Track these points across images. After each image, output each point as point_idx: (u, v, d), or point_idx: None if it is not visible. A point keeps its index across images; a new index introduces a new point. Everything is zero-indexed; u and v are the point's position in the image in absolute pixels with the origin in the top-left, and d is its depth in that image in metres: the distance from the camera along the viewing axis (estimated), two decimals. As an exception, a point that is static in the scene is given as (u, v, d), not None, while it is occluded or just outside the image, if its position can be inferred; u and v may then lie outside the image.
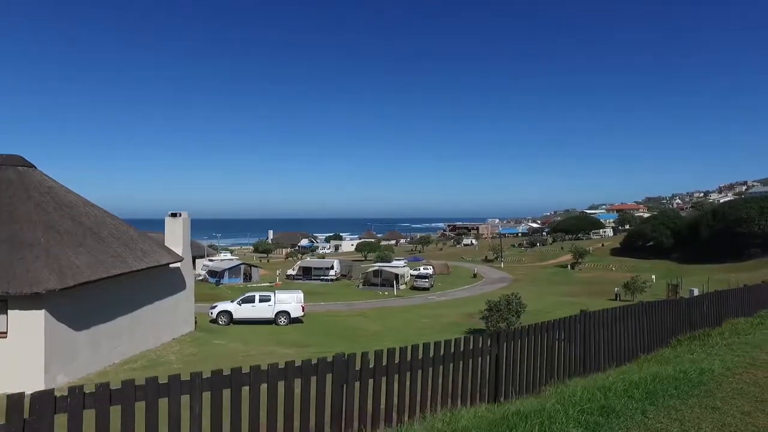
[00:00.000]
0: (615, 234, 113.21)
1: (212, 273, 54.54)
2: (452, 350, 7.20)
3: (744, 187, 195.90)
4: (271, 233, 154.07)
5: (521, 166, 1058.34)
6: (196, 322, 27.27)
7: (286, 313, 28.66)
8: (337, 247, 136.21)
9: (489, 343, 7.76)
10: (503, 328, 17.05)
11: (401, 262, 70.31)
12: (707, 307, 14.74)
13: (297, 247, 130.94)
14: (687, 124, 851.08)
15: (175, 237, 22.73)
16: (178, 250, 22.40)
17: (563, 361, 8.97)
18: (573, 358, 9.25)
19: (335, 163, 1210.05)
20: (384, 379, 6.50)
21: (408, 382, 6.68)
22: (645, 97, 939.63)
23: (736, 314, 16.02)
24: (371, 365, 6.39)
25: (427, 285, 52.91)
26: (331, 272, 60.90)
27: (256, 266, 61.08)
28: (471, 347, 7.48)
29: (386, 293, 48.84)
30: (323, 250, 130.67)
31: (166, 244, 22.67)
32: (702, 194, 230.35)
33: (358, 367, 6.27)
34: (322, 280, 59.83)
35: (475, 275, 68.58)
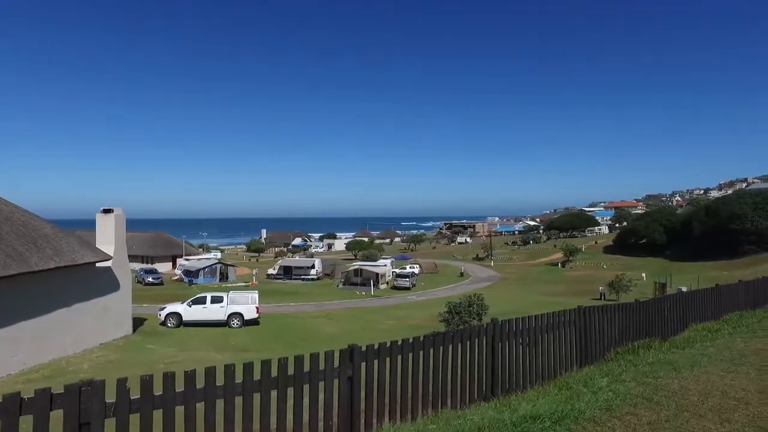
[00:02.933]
0: (611, 231, 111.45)
1: (187, 272, 53.10)
2: (275, 373, 5.56)
3: (744, 184, 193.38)
4: (264, 232, 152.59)
5: (526, 165, 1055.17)
6: (142, 324, 25.84)
7: (239, 314, 27.09)
8: (330, 246, 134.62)
9: (337, 363, 6.15)
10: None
11: (387, 261, 68.75)
12: (669, 311, 13.09)
13: (289, 246, 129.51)
14: (690, 122, 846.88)
15: (107, 235, 21.16)
16: (110, 249, 20.84)
17: (465, 382, 7.39)
18: (479, 379, 7.65)
19: (339, 162, 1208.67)
20: (161, 413, 4.87)
21: (201, 417, 5.04)
22: (646, 94, 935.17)
23: (704, 317, 14.40)
24: (136, 396, 4.76)
25: (407, 284, 51.31)
26: (312, 271, 59.32)
27: (233, 265, 59.58)
28: (309, 369, 5.86)
29: (363, 293, 47.26)
30: (316, 249, 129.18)
31: (97, 242, 21.15)
32: (702, 191, 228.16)
33: (113, 399, 4.64)
34: (303, 279, 58.27)
35: (461, 274, 67.04)
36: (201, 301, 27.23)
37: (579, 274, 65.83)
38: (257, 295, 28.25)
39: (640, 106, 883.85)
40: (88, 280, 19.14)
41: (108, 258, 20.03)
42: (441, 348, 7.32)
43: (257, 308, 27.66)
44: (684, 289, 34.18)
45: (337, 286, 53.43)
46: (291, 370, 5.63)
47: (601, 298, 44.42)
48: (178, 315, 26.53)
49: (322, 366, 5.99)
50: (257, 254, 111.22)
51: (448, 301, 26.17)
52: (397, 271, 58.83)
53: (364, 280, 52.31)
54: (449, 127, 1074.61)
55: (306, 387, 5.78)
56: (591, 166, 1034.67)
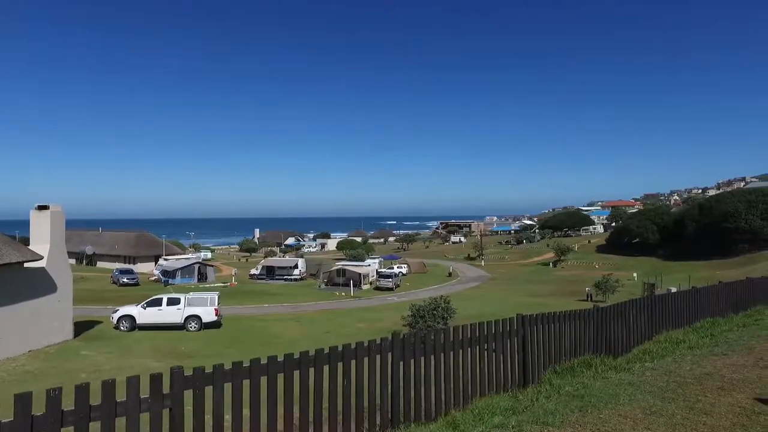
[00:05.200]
0: (606, 231, 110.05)
1: (165, 272, 51.68)
2: (44, 410, 4.13)
3: (742, 183, 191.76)
4: (257, 232, 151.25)
5: (529, 165, 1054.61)
6: (92, 327, 24.49)
7: (197, 317, 25.67)
8: (323, 246, 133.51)
9: (148, 393, 4.71)
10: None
11: (375, 261, 67.38)
12: (635, 318, 11.53)
13: (281, 246, 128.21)
14: (691, 122, 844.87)
15: (41, 233, 19.73)
16: (44, 248, 19.41)
17: (350, 413, 5.97)
18: (370, 408, 6.24)
19: (340, 162, 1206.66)
20: None
21: None
22: (644, 94, 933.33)
23: (678, 324, 12.87)
24: None
25: (390, 285, 49.81)
26: (296, 272, 57.89)
27: (212, 265, 58.14)
28: (101, 400, 4.42)
29: (343, 294, 45.81)
30: (309, 249, 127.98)
31: (31, 241, 19.74)
32: (700, 191, 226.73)
33: None
34: (285, 279, 56.86)
35: (449, 274, 65.63)
36: (156, 302, 25.84)
37: (569, 274, 64.41)
38: (217, 297, 26.83)
39: (640, 107, 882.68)
40: (13, 282, 17.70)
41: (38, 258, 18.58)
42: (311, 370, 5.89)
43: (216, 310, 26.23)
44: (673, 289, 32.80)
45: (319, 286, 52.02)
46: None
47: (587, 299, 42.99)
48: (131, 318, 25.12)
49: (122, 397, 4.55)
50: (248, 254, 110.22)
51: (412, 303, 24.76)
52: (383, 270, 57.37)
53: (347, 280, 50.93)
54: (451, 127, 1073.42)
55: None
56: (593, 166, 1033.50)
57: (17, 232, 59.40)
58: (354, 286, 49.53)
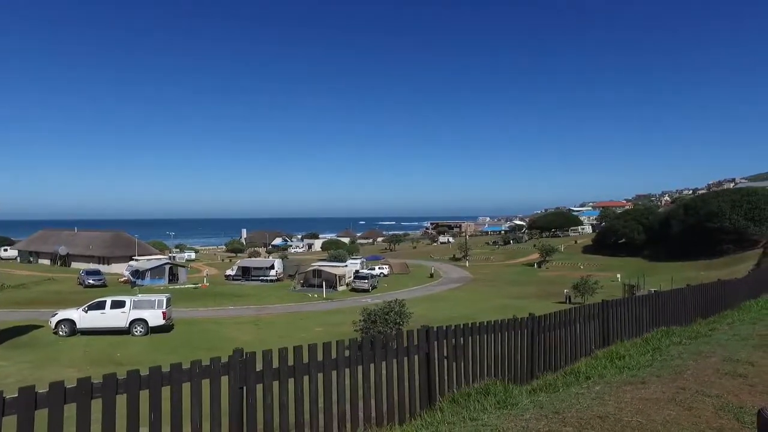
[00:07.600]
0: (594, 231, 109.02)
1: (135, 273, 49.99)
2: None
3: (732, 184, 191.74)
4: (244, 232, 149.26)
5: (526, 166, 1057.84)
6: (28, 332, 22.91)
7: (143, 321, 24.14)
8: (310, 246, 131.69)
9: None
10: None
11: (357, 261, 65.93)
12: (583, 327, 10.10)
13: (268, 246, 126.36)
14: (686, 123, 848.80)
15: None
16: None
17: None
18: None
19: (340, 163, 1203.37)
20: None
21: None
22: (642, 94, 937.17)
23: (638, 332, 11.49)
24: None
25: (366, 286, 48.27)
26: (272, 272, 56.32)
27: (183, 266, 56.40)
28: None
29: (316, 296, 44.31)
30: (296, 249, 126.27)
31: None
32: (691, 191, 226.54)
33: None
34: (261, 280, 55.30)
35: (431, 275, 64.22)
36: (99, 306, 24.28)
37: (553, 275, 63.18)
38: (166, 300, 25.29)
39: (638, 108, 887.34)
40: None
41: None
42: (114, 397, 4.51)
43: (164, 313, 24.70)
44: (653, 290, 31.61)
45: (294, 287, 50.47)
46: None
47: (566, 301, 41.70)
48: (71, 322, 23.58)
49: None
50: (234, 254, 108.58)
51: (364, 308, 23.33)
52: (361, 271, 55.84)
53: (324, 281, 49.45)
54: (451, 128, 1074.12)
55: None
56: (589, 167, 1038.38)
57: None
58: (330, 287, 48.08)
